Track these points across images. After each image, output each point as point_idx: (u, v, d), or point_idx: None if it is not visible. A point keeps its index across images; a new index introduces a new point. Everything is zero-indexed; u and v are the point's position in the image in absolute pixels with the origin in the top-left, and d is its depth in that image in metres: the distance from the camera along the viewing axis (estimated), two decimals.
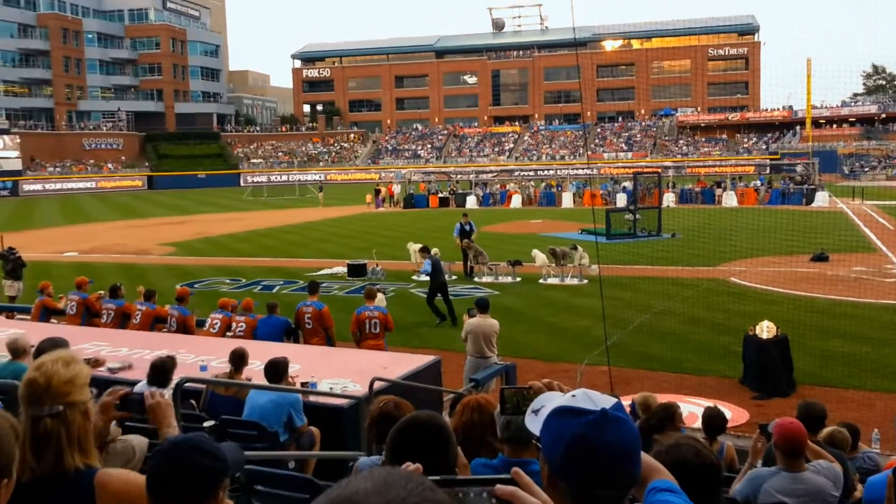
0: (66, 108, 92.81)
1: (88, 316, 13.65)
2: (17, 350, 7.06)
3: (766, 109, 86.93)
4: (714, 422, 7.19)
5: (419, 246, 22.98)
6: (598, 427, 1.72)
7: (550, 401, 1.94)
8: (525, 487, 1.51)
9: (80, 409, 2.51)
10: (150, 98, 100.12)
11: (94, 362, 3.29)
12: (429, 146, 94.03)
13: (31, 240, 32.86)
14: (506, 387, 2.61)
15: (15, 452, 2.12)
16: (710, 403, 9.96)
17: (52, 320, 14.10)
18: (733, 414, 10.59)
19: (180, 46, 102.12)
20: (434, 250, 18.55)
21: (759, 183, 50.50)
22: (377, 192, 53.43)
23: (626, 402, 10.08)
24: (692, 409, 9.91)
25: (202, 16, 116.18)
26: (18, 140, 77.64)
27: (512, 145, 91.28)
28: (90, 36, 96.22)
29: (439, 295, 17.09)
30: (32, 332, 9.13)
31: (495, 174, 66.81)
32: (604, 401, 1.80)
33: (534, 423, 1.94)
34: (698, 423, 9.90)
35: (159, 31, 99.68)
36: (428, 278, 17.87)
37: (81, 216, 50.59)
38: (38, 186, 77.38)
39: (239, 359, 7.95)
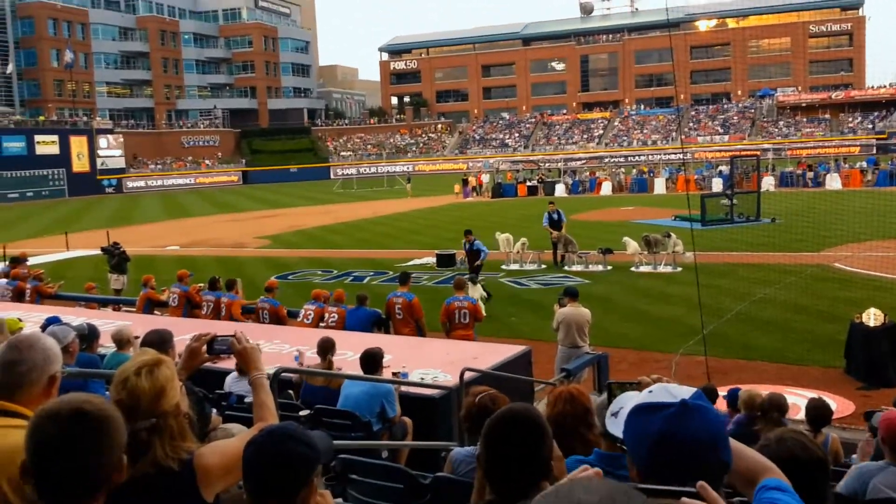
0: (166, 108, 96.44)
1: (190, 307, 14.13)
2: (121, 341, 7.37)
3: (872, 87, 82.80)
4: (818, 413, 6.91)
5: (506, 235, 22.97)
6: (680, 419, 1.69)
7: (628, 401, 1.91)
8: (712, 502, 1.52)
9: (173, 412, 2.53)
10: (244, 95, 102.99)
11: (201, 338, 3.26)
12: (516, 135, 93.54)
13: (135, 234, 34.32)
14: (613, 381, 2.58)
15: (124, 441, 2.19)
16: (813, 394, 9.59)
17: (156, 312, 14.67)
18: (838, 405, 10.18)
19: (272, 44, 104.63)
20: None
21: (865, 164, 48.24)
22: (465, 181, 53.49)
23: (722, 391, 9.81)
24: (795, 401, 9.55)
25: (292, 13, 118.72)
26: (122, 139, 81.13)
27: (601, 132, 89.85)
28: (186, 37, 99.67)
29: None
30: (137, 323, 9.51)
31: (584, 161, 65.96)
32: (682, 392, 1.78)
33: (615, 426, 1.92)
34: (801, 415, 9.55)
35: (252, 30, 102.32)
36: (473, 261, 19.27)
37: (181, 211, 52.51)
38: (141, 183, 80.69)
39: (327, 348, 8.06)
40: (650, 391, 1.82)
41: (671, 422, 1.69)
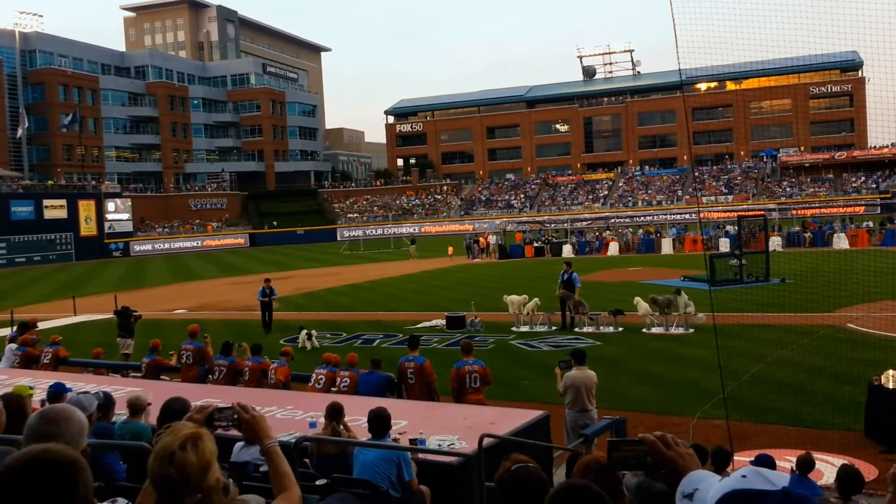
0: (174, 171, 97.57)
1: (203, 364, 13.96)
2: (137, 408, 7.24)
3: (875, 147, 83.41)
4: (850, 480, 6.75)
5: (515, 297, 22.87)
6: None
7: (702, 481, 1.83)
8: None
9: (216, 487, 2.46)
10: (252, 158, 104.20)
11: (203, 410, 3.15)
12: (522, 196, 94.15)
13: (143, 298, 34.23)
14: (612, 439, 2.50)
15: None
16: (839, 460, 9.38)
17: (163, 377, 14.49)
18: (861, 470, 9.92)
19: (279, 108, 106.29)
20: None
21: (871, 224, 48.30)
22: (468, 246, 53.37)
23: (744, 458, 9.59)
24: (820, 466, 9.33)
25: (300, 77, 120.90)
26: (129, 203, 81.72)
27: (606, 192, 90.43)
28: (195, 102, 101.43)
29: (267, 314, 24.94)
30: (146, 389, 9.37)
31: (590, 221, 66.17)
32: (778, 478, 1.70)
33: None
34: (825, 480, 9.33)
35: (260, 95, 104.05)
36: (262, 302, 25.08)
37: (189, 274, 52.53)
38: (148, 246, 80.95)
39: (336, 413, 7.92)
40: (743, 476, 1.73)
41: None
